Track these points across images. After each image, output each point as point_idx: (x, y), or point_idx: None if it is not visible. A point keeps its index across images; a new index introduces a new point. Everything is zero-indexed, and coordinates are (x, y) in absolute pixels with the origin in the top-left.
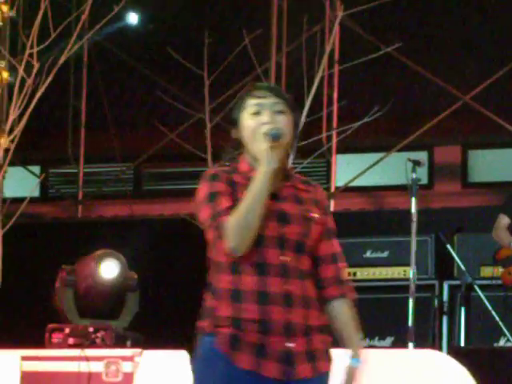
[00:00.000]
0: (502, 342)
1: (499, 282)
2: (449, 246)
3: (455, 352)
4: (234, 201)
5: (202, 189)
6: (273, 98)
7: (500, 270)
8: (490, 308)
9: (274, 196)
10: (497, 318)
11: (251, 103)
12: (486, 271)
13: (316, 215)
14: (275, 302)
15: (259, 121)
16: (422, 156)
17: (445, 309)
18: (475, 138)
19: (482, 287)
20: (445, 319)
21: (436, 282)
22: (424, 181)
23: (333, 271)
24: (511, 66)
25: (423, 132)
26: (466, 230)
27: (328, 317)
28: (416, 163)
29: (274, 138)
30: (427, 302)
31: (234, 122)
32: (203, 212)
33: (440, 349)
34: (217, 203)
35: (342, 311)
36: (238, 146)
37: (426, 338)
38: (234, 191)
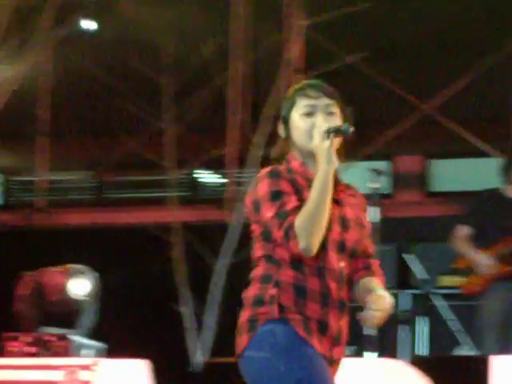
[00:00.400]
0: (462, 351)
1: (459, 291)
2: (407, 256)
3: (417, 361)
4: (300, 201)
5: (263, 186)
6: (325, 99)
7: (460, 280)
8: (450, 317)
9: (334, 200)
10: (457, 327)
11: (303, 103)
12: (446, 280)
13: (366, 222)
14: (334, 306)
15: (312, 123)
16: (383, 165)
17: (405, 318)
18: (436, 148)
19: (442, 296)
20: (406, 328)
21: (396, 292)
22: (385, 190)
23: (363, 262)
24: (472, 76)
25: (385, 141)
26: (427, 239)
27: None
28: (377, 172)
29: (346, 132)
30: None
31: (282, 120)
32: (265, 210)
33: (399, 358)
34: (283, 202)
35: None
36: (285, 144)
37: (386, 348)
38: (298, 191)
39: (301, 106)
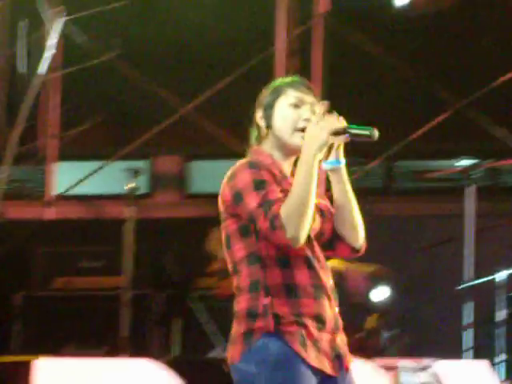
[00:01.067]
0: (214, 353)
1: (214, 293)
2: (163, 256)
3: (171, 362)
4: (282, 191)
5: (243, 176)
6: (312, 97)
7: (216, 282)
8: (205, 319)
9: None
10: (212, 329)
11: (294, 94)
12: (202, 282)
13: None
14: (326, 296)
15: (299, 114)
16: (142, 165)
17: (160, 319)
18: (194, 149)
19: (197, 298)
20: (161, 329)
21: (152, 292)
22: (144, 190)
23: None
24: (234, 77)
25: (144, 141)
26: (184, 240)
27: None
28: (134, 172)
29: (371, 137)
30: (143, 312)
31: (264, 107)
32: (249, 200)
33: (153, 359)
34: (266, 192)
35: None
36: (258, 130)
37: (141, 348)
38: (277, 182)
39: (291, 95)
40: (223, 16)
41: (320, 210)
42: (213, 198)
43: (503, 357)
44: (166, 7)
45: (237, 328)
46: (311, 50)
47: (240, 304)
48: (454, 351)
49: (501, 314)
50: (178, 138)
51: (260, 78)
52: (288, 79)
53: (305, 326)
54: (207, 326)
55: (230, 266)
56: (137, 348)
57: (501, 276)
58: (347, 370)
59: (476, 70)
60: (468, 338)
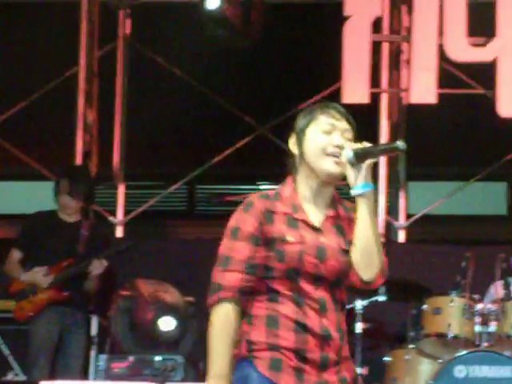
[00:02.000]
0: (10, 376)
1: (10, 315)
2: None
3: None
4: (261, 234)
5: (234, 216)
6: (345, 123)
7: (12, 304)
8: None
9: (313, 227)
10: (7, 352)
11: (324, 120)
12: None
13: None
14: (314, 334)
15: (330, 140)
16: None
17: None
18: None
19: None
20: None
21: None
22: None
23: None
24: (31, 100)
25: None
26: None
27: None
28: None
29: (400, 149)
30: None
31: (297, 133)
32: (222, 244)
33: None
34: (233, 248)
35: None
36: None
37: None
38: (266, 222)
39: (322, 122)
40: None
41: (320, 250)
42: (9, 218)
43: None
44: None
45: None
46: (114, 72)
47: None
48: None
49: None
50: None
51: (60, 100)
52: (323, 104)
53: (282, 354)
54: (3, 347)
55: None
56: None
57: None
58: None
59: (278, 95)
60: None
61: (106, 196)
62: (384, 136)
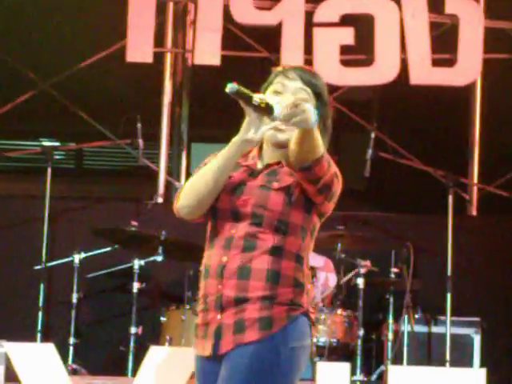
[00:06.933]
0: None
1: None
2: None
3: None
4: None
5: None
6: (300, 82)
7: None
8: None
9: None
10: None
11: (277, 80)
12: None
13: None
14: (213, 275)
15: (274, 100)
16: None
17: None
18: None
19: None
20: None
21: None
22: None
23: None
24: None
25: None
26: None
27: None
28: None
29: (233, 92)
30: None
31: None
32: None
33: None
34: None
35: None
36: None
37: None
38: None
39: (274, 82)
40: None
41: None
42: None
43: (72, 340)
44: None
45: None
46: None
47: None
48: (29, 332)
49: (76, 296)
50: None
51: None
52: (284, 67)
53: (207, 299)
54: None
55: None
56: None
57: (77, 258)
58: (227, 350)
59: (62, 53)
60: (40, 319)
61: None
62: (167, 96)
